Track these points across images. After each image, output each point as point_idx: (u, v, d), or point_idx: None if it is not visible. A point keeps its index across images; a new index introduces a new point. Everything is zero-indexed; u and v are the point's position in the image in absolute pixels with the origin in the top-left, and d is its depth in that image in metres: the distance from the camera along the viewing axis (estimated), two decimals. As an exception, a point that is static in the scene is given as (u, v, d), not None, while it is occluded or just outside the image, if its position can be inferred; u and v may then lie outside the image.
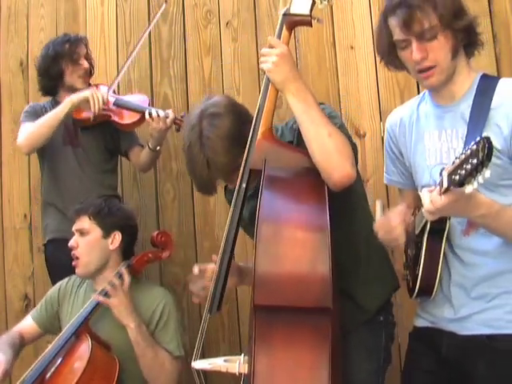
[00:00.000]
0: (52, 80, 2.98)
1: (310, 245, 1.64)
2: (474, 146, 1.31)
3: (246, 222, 1.95)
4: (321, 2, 1.78)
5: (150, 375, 2.34)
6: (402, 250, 1.87)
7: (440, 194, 1.42)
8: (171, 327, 2.42)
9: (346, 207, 1.82)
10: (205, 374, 1.92)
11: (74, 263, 2.46)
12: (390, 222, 1.74)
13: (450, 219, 1.71)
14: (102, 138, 2.98)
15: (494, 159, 1.32)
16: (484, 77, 1.75)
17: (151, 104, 3.08)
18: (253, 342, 1.62)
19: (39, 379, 2.31)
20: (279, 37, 1.81)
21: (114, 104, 2.94)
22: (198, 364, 1.87)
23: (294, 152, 1.83)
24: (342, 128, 1.84)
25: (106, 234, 2.48)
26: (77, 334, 2.35)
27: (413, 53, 1.67)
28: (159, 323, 2.41)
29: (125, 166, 3.26)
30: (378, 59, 1.87)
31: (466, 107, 1.70)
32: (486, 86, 1.70)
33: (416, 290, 1.76)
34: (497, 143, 1.62)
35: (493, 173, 1.34)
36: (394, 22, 1.69)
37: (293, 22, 1.82)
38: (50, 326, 2.58)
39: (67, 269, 2.54)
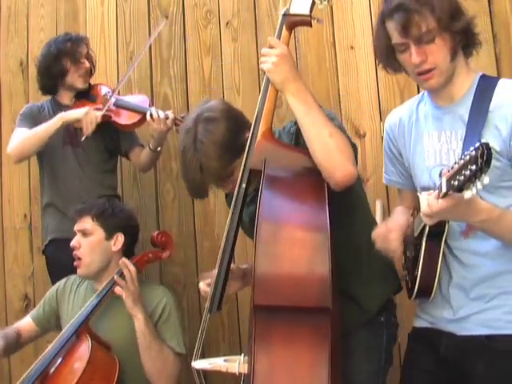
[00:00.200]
0: (52, 79, 2.97)
1: (310, 245, 1.64)
2: (474, 152, 1.31)
3: (247, 226, 1.96)
4: (321, 2, 1.78)
5: (154, 369, 2.33)
6: (400, 252, 1.87)
7: (438, 198, 1.42)
8: (172, 325, 2.42)
9: (345, 207, 1.82)
10: (205, 373, 1.93)
11: (75, 263, 2.46)
12: (389, 233, 1.74)
13: (448, 222, 1.71)
14: (102, 138, 2.97)
15: (493, 161, 1.32)
16: (483, 77, 1.75)
17: (151, 104, 3.08)
18: (252, 342, 1.63)
19: (39, 379, 2.30)
20: (279, 37, 1.81)
21: (114, 104, 2.94)
22: (198, 364, 1.88)
23: (293, 152, 1.83)
24: (340, 129, 1.84)
25: (109, 235, 2.48)
26: (77, 334, 2.35)
27: (412, 56, 1.66)
28: (160, 320, 2.41)
29: (125, 165, 3.26)
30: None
31: (464, 109, 1.70)
32: (485, 87, 1.70)
33: (415, 292, 1.77)
34: (496, 145, 1.62)
35: (492, 175, 1.34)
36: (391, 26, 1.68)
37: (293, 23, 1.82)
38: (47, 323, 2.58)
39: (68, 269, 2.54)
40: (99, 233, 2.48)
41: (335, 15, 2.95)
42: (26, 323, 2.59)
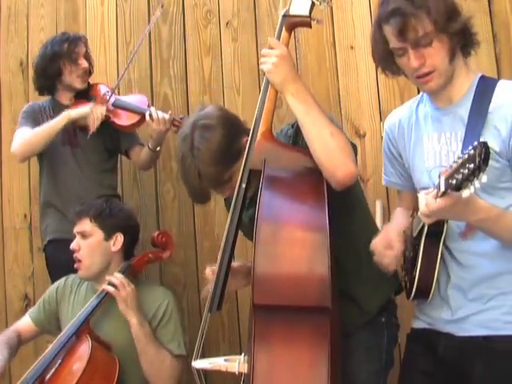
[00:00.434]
0: (49, 80, 2.97)
1: (309, 244, 1.64)
2: (471, 151, 1.31)
3: (246, 230, 1.96)
4: (320, 3, 1.78)
5: (151, 372, 2.34)
6: (393, 268, 1.87)
7: (436, 198, 1.42)
8: (172, 326, 2.42)
9: (345, 207, 1.83)
10: (205, 373, 1.93)
11: (76, 265, 2.46)
12: (385, 250, 1.74)
13: (447, 222, 1.71)
14: (101, 137, 2.97)
15: (492, 162, 1.33)
16: (482, 78, 1.74)
17: (151, 104, 3.08)
18: (252, 341, 1.63)
19: (39, 379, 2.30)
20: (279, 38, 1.82)
21: (113, 105, 2.94)
22: (199, 364, 1.88)
23: (293, 152, 1.84)
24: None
25: (108, 236, 2.48)
26: (77, 334, 2.35)
27: (410, 60, 1.66)
28: (161, 322, 2.41)
29: (125, 165, 3.27)
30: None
31: (464, 110, 1.70)
32: (485, 88, 1.70)
33: (413, 292, 1.77)
34: (495, 145, 1.62)
35: (491, 176, 1.34)
36: (388, 31, 1.67)
37: (292, 23, 1.82)
38: (48, 324, 2.58)
39: (67, 269, 2.55)
40: (98, 234, 2.47)
41: (335, 15, 2.95)
42: (26, 324, 2.58)
